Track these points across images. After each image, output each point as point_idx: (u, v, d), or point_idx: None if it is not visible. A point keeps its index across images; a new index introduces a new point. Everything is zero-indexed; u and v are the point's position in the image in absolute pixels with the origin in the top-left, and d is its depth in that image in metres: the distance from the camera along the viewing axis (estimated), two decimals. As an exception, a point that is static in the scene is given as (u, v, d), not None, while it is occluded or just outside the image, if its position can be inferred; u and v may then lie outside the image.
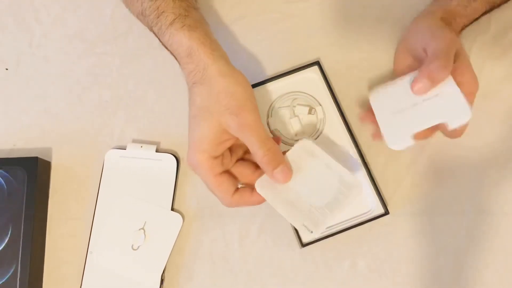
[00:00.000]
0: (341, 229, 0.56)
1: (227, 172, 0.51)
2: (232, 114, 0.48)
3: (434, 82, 0.50)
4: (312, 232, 0.49)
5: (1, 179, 0.56)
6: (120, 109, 0.61)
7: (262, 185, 0.50)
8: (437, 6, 0.58)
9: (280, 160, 0.49)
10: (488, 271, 0.56)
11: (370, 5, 0.63)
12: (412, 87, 0.50)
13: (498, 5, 0.61)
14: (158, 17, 0.53)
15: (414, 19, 0.59)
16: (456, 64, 0.51)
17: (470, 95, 0.52)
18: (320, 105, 0.60)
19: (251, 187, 0.51)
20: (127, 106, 0.61)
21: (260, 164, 0.49)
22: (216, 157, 0.49)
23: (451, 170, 0.58)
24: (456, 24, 0.57)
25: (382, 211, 0.56)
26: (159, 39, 0.55)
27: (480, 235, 0.57)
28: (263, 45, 0.63)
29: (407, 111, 0.51)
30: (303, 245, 0.55)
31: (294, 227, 0.56)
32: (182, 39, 0.51)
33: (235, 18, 0.64)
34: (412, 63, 0.55)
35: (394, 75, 0.59)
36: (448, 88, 0.50)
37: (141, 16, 0.56)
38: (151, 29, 0.55)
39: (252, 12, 0.64)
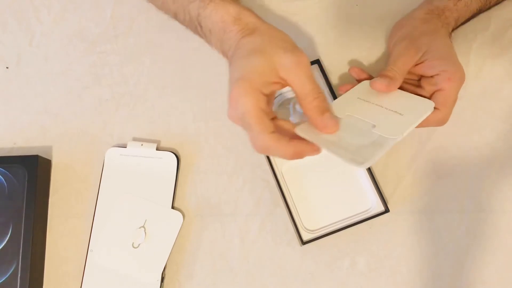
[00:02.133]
0: (341, 227, 0.56)
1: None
2: (288, 52, 0.47)
3: (386, 76, 0.53)
4: (363, 163, 0.45)
5: (2, 178, 0.56)
6: (120, 108, 0.61)
7: (303, 129, 0.48)
8: (420, 9, 0.58)
9: (328, 106, 0.48)
10: (488, 269, 0.56)
11: (370, 4, 0.64)
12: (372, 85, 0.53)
13: (495, 3, 0.61)
14: None
15: (396, 22, 0.60)
16: (427, 62, 0.54)
17: (449, 80, 0.52)
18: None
19: None
20: (127, 105, 0.61)
21: (308, 106, 0.47)
22: (263, 94, 0.47)
23: (451, 169, 0.59)
24: (445, 17, 0.57)
25: (382, 209, 0.56)
26: (189, 17, 0.54)
27: (480, 233, 0.57)
28: (263, 44, 0.63)
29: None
30: (303, 243, 0.55)
31: (294, 224, 0.56)
32: (228, 7, 0.51)
33: (235, 17, 0.64)
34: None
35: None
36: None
37: None
38: (185, 7, 0.54)
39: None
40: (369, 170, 0.57)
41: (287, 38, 0.50)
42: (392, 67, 0.53)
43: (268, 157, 0.58)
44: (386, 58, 0.61)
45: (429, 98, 0.53)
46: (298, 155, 0.48)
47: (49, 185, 0.59)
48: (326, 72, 0.60)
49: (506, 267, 0.56)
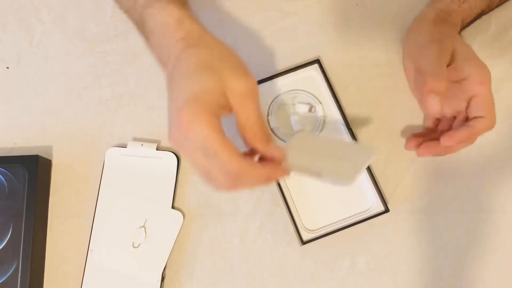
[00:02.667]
0: (341, 226, 0.56)
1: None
2: (240, 77, 0.43)
3: (438, 93, 0.50)
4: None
5: (2, 178, 0.57)
6: (120, 108, 0.61)
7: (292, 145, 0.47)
8: (430, 8, 0.58)
9: (269, 137, 0.45)
10: (488, 269, 0.56)
11: (370, 3, 0.64)
12: (424, 108, 0.54)
13: (497, 5, 0.61)
14: None
15: (408, 28, 0.59)
16: (454, 64, 0.52)
17: (481, 84, 0.52)
18: (320, 103, 0.60)
19: None
20: (127, 105, 0.62)
21: (252, 137, 0.44)
22: (217, 117, 0.42)
23: (451, 168, 0.59)
24: (452, 19, 0.56)
25: (382, 208, 0.56)
26: (136, 15, 0.51)
27: (480, 233, 0.57)
28: (263, 44, 0.63)
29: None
30: (303, 242, 0.55)
31: (294, 224, 0.56)
32: (173, 10, 0.47)
33: (235, 17, 0.64)
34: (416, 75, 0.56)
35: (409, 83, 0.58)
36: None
37: None
38: (135, 4, 0.51)
39: (252, 11, 0.64)
40: (369, 170, 0.57)
41: (236, 56, 0.45)
42: (436, 76, 0.50)
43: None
44: (386, 57, 0.61)
45: (467, 107, 0.53)
46: (270, 179, 0.45)
47: (49, 185, 0.59)
48: (326, 72, 0.60)
49: (506, 267, 0.56)
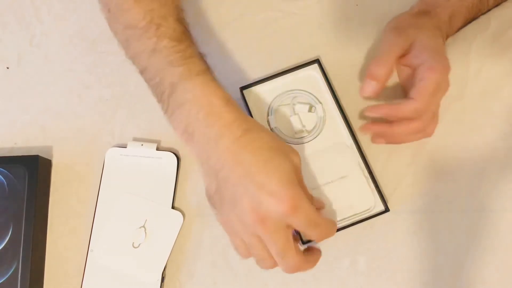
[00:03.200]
0: (342, 226, 0.56)
1: None
2: (294, 152, 0.48)
3: (373, 78, 0.53)
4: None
5: (2, 178, 0.57)
6: (120, 108, 0.61)
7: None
8: (418, 2, 0.59)
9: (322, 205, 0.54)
10: (488, 269, 0.56)
11: (370, 4, 0.64)
12: (360, 91, 0.55)
13: (495, 4, 0.61)
14: (184, 63, 0.48)
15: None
16: (413, 52, 0.54)
17: (430, 70, 0.52)
18: (320, 103, 0.60)
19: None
20: (127, 105, 0.62)
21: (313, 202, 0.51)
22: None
23: (451, 168, 0.59)
24: (436, 13, 0.56)
25: (382, 208, 0.56)
26: (160, 79, 0.49)
27: (480, 232, 0.57)
28: (263, 43, 0.63)
29: (319, 191, 0.57)
30: (304, 242, 0.55)
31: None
32: (216, 89, 0.48)
33: (235, 16, 0.64)
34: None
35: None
36: (355, 175, 0.57)
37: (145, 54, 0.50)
38: (162, 69, 0.49)
39: (252, 11, 0.64)
40: (369, 169, 0.57)
41: (278, 136, 0.53)
42: (377, 61, 0.54)
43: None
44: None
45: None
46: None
47: (49, 185, 0.59)
48: (326, 72, 0.60)
49: (506, 267, 0.56)
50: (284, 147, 0.47)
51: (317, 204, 0.53)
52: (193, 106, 0.47)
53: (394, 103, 0.54)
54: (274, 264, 0.48)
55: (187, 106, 0.47)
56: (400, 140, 0.57)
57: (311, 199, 0.50)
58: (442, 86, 0.54)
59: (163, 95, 0.49)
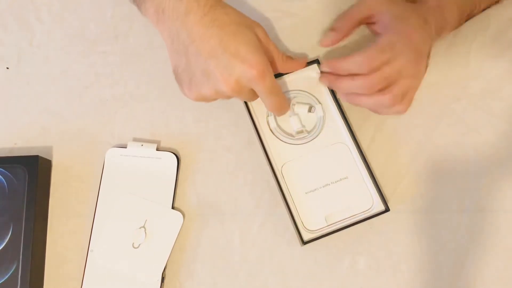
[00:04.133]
0: (342, 226, 0.56)
1: None
2: (256, 25, 0.53)
3: (332, 29, 0.59)
4: None
5: (2, 178, 0.56)
6: (120, 108, 0.61)
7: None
8: None
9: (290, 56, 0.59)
10: (488, 268, 0.56)
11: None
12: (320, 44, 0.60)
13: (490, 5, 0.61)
14: None
15: None
16: (379, 20, 0.56)
17: (384, 31, 0.54)
18: (320, 103, 0.60)
19: None
20: (127, 105, 0.62)
21: (284, 63, 0.57)
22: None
23: (451, 168, 0.59)
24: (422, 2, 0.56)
25: (382, 208, 0.56)
26: None
27: (480, 232, 0.57)
28: (263, 44, 0.63)
29: (319, 191, 0.57)
30: (304, 243, 0.55)
31: (295, 224, 0.56)
32: None
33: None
34: None
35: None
36: (355, 175, 0.57)
37: None
38: None
39: (252, 11, 0.64)
40: (369, 169, 0.57)
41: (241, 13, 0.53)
42: (340, 16, 0.58)
43: (267, 157, 0.58)
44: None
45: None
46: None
47: (49, 185, 0.59)
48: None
49: (506, 267, 0.56)
50: (248, 21, 0.52)
51: (290, 63, 0.59)
52: None
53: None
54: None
55: None
56: (364, 104, 0.56)
57: (281, 58, 0.57)
58: (397, 50, 0.52)
59: None
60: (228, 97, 0.53)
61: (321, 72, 0.58)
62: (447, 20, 0.57)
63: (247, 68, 0.49)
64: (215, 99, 0.54)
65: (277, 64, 0.56)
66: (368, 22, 0.58)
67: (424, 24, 0.55)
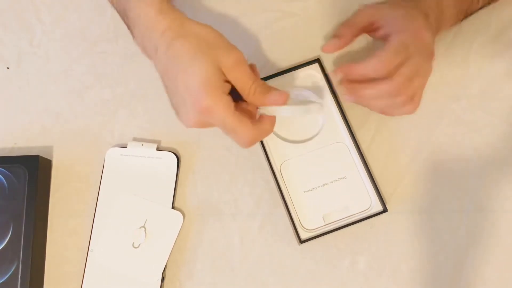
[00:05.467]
0: (339, 226, 0.56)
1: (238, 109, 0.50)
2: (227, 53, 0.48)
3: (335, 36, 0.57)
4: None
5: (2, 178, 0.57)
6: (120, 108, 0.61)
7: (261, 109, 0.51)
8: None
9: (269, 88, 0.50)
10: (488, 268, 0.56)
11: (369, 3, 0.63)
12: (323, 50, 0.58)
13: (490, 2, 0.61)
14: None
15: None
16: (383, 24, 0.55)
17: (396, 32, 0.52)
18: (320, 102, 0.60)
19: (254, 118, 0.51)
20: (127, 105, 0.62)
21: (253, 97, 0.49)
22: (227, 94, 0.48)
23: (451, 168, 0.59)
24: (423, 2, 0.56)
25: (380, 208, 0.56)
26: (119, 7, 0.55)
27: (480, 232, 0.57)
28: (263, 43, 0.63)
29: (317, 190, 0.57)
30: (301, 241, 0.55)
31: (292, 222, 0.56)
32: (151, 0, 0.50)
33: (235, 16, 0.64)
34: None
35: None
36: (354, 175, 0.57)
37: None
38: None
39: (253, 11, 0.64)
40: (368, 169, 0.57)
41: (218, 36, 0.49)
42: (343, 23, 0.57)
43: (266, 155, 0.58)
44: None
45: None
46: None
47: (49, 185, 0.59)
48: (326, 72, 0.60)
49: (506, 267, 0.56)
50: (210, 49, 0.48)
51: (259, 97, 0.50)
52: (138, 23, 0.51)
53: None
54: (246, 137, 0.49)
55: (137, 23, 0.51)
56: (374, 106, 0.55)
57: (251, 89, 0.49)
58: (411, 50, 0.52)
59: (125, 20, 0.55)
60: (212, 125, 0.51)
61: (339, 80, 0.56)
62: (445, 15, 0.57)
63: (193, 101, 0.47)
64: (209, 127, 0.51)
65: (245, 96, 0.50)
66: (371, 29, 0.56)
67: (427, 20, 0.54)
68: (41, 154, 0.58)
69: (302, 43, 0.63)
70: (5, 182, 0.56)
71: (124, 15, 0.54)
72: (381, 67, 0.51)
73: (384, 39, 0.54)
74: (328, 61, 0.61)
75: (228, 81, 0.48)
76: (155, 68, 0.52)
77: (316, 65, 0.61)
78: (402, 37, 0.52)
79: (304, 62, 0.61)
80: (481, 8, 0.61)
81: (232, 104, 0.47)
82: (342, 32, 0.57)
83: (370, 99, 0.54)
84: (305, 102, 0.57)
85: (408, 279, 0.56)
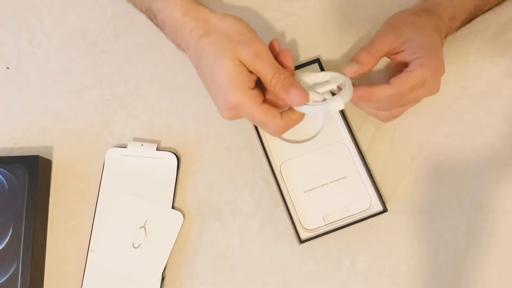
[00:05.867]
0: (339, 226, 0.56)
1: (266, 101, 0.51)
2: (245, 46, 0.49)
3: (357, 61, 0.53)
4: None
5: (2, 178, 0.57)
6: (121, 108, 0.61)
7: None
8: (422, 0, 0.58)
9: (290, 83, 0.49)
10: (488, 268, 0.56)
11: (370, 3, 0.64)
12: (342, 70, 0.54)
13: (495, 3, 0.61)
14: None
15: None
16: (407, 51, 0.53)
17: (420, 66, 0.52)
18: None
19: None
20: (127, 105, 0.62)
21: (274, 90, 0.50)
22: (253, 89, 0.50)
23: (451, 168, 0.59)
24: (439, 11, 0.56)
25: (380, 208, 0.56)
26: (145, 7, 0.57)
27: (480, 232, 0.57)
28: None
29: (317, 190, 0.57)
30: (301, 241, 0.55)
31: (292, 222, 0.56)
32: (176, 0, 0.53)
33: (235, 17, 0.64)
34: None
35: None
36: (354, 175, 0.57)
37: None
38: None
39: (253, 11, 0.64)
40: (368, 169, 0.57)
41: (241, 28, 0.51)
42: (365, 49, 0.54)
43: (266, 155, 0.58)
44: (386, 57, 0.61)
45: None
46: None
47: (49, 185, 0.59)
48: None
49: (506, 267, 0.56)
50: (231, 43, 0.50)
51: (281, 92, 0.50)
52: (168, 24, 0.54)
53: (370, 87, 0.52)
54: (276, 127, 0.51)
55: (166, 25, 0.55)
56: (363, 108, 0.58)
57: (271, 83, 0.50)
58: (428, 86, 0.53)
59: (153, 20, 0.57)
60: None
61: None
62: (453, 29, 0.59)
63: (223, 99, 0.50)
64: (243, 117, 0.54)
65: (268, 89, 0.51)
66: (391, 54, 0.55)
67: (442, 40, 0.56)
68: (41, 154, 0.58)
69: (302, 43, 0.63)
70: (5, 182, 0.56)
71: (152, 17, 0.57)
72: (396, 98, 0.53)
73: (403, 64, 0.54)
74: (328, 62, 0.61)
75: (253, 74, 0.50)
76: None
77: (316, 65, 0.61)
78: (422, 73, 0.52)
79: (304, 62, 0.61)
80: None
81: (259, 98, 0.50)
82: (363, 58, 0.53)
83: (362, 107, 0.58)
84: (326, 93, 0.53)
85: (408, 279, 0.56)
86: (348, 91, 0.51)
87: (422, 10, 0.57)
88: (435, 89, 0.55)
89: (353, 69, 0.53)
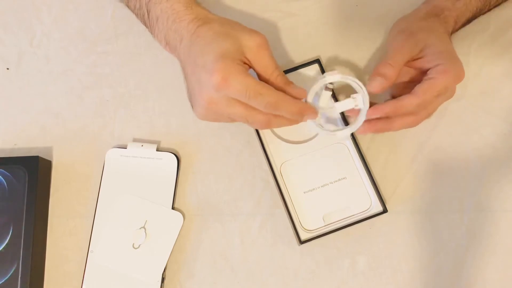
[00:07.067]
0: (339, 226, 0.56)
1: None
2: (251, 35, 0.49)
3: (380, 75, 0.52)
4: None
5: (2, 178, 0.57)
6: (120, 108, 0.61)
7: None
8: (425, 4, 0.58)
9: (289, 81, 0.52)
10: (488, 268, 0.56)
11: (370, 4, 0.64)
12: (367, 87, 0.53)
13: (495, 4, 0.61)
14: None
15: (400, 18, 0.59)
16: (426, 57, 0.53)
17: (444, 73, 0.51)
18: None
19: None
20: (127, 105, 0.61)
21: (274, 82, 0.50)
22: (246, 68, 0.49)
23: (451, 168, 0.59)
24: (444, 16, 0.56)
25: (380, 209, 0.56)
26: (139, 3, 0.57)
27: (480, 232, 0.57)
28: (263, 44, 0.63)
29: (317, 191, 0.57)
30: (301, 242, 0.55)
31: (292, 223, 0.56)
32: None
33: (235, 17, 0.63)
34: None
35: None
36: (354, 175, 0.57)
37: None
38: None
39: (252, 11, 0.64)
40: (368, 170, 0.57)
41: (242, 25, 0.52)
42: (388, 61, 0.52)
43: (267, 156, 0.58)
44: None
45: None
46: (301, 113, 0.51)
47: (49, 186, 0.59)
48: (326, 71, 0.60)
49: (506, 267, 0.56)
50: (233, 31, 0.50)
51: (294, 92, 0.51)
52: (163, 17, 0.54)
53: (395, 100, 0.52)
54: (263, 117, 0.50)
55: (160, 19, 0.54)
56: (389, 130, 0.56)
57: (273, 74, 0.51)
58: (448, 91, 0.53)
59: (144, 17, 0.57)
60: (232, 120, 0.53)
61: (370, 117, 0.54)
62: (455, 31, 0.59)
63: (208, 76, 0.47)
64: (216, 120, 0.54)
65: (267, 79, 0.51)
66: (410, 60, 0.54)
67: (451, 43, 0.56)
68: (41, 155, 0.58)
69: (302, 43, 0.63)
70: (5, 183, 0.56)
71: (144, 11, 0.56)
72: (421, 107, 0.52)
73: (420, 71, 0.54)
74: (328, 61, 0.61)
75: (246, 63, 0.50)
76: (178, 60, 0.55)
77: (316, 65, 0.61)
78: (445, 81, 0.51)
79: (304, 62, 0.61)
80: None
81: (247, 71, 0.48)
82: (387, 71, 0.52)
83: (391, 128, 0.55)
84: (336, 120, 0.57)
85: (408, 279, 0.56)
86: (358, 121, 0.54)
87: (428, 15, 0.56)
88: (452, 94, 0.55)
89: (379, 84, 0.52)
